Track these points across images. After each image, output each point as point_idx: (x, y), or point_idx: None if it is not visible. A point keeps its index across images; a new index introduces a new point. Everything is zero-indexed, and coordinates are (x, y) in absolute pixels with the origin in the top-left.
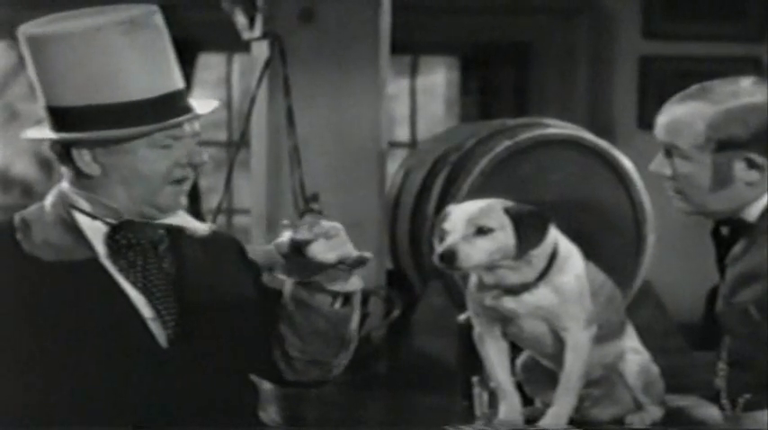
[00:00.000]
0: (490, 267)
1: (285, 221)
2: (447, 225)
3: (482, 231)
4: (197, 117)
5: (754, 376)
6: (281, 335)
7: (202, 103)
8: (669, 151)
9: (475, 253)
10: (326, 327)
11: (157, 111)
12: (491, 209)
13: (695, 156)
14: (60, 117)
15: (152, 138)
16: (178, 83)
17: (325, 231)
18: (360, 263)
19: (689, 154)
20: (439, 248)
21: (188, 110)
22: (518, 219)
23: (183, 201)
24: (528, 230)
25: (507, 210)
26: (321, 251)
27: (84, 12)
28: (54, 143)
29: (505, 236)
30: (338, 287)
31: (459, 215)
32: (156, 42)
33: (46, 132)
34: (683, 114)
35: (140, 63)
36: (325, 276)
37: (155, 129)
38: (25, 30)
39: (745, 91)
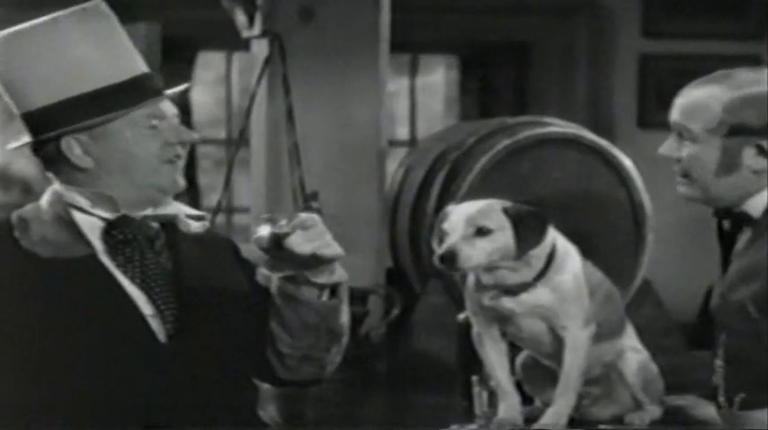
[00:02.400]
0: (489, 268)
1: (264, 215)
2: (446, 226)
3: (482, 232)
4: (171, 96)
5: (751, 374)
6: (272, 332)
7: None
8: (681, 133)
9: (475, 254)
10: (316, 320)
11: (129, 93)
12: (490, 209)
13: (705, 139)
14: (37, 120)
15: (135, 122)
16: (143, 67)
17: (302, 222)
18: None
19: (700, 136)
20: (439, 249)
21: (160, 91)
22: (517, 220)
23: (182, 181)
24: (527, 231)
25: (506, 211)
26: (298, 243)
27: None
28: (40, 146)
29: (505, 236)
30: (324, 279)
31: (459, 216)
32: (109, 29)
33: (27, 138)
34: (700, 96)
35: (100, 50)
36: (307, 269)
37: (131, 110)
38: None
39: (766, 80)
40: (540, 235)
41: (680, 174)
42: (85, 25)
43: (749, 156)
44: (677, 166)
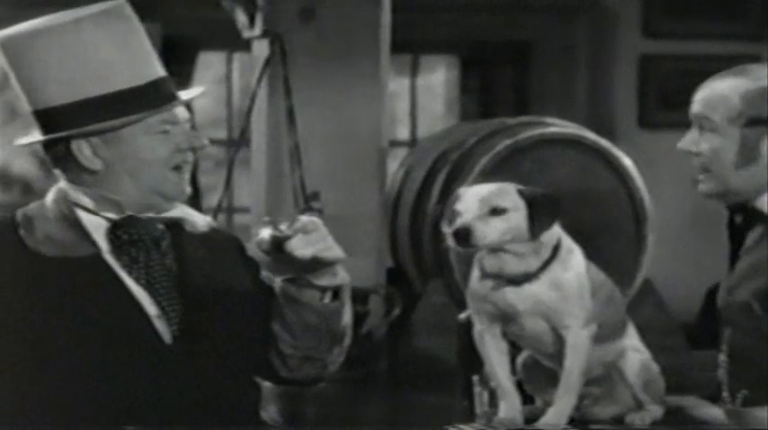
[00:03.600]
0: (495, 251)
1: (266, 218)
2: (460, 206)
3: (496, 211)
4: (187, 101)
5: (755, 371)
6: (274, 332)
7: (187, 92)
8: (701, 125)
9: (490, 231)
10: (317, 322)
11: (146, 97)
12: (504, 190)
13: (725, 130)
14: (50, 118)
15: (148, 126)
16: (161, 71)
17: (303, 226)
18: (333, 262)
19: (719, 127)
20: (453, 227)
21: (175, 96)
22: (532, 201)
23: (187, 189)
24: (541, 212)
25: (521, 192)
26: (299, 247)
27: (56, 15)
28: (51, 145)
29: (518, 217)
30: (325, 281)
31: (473, 195)
32: (131, 32)
33: (38, 136)
34: (721, 88)
35: (121, 53)
36: (309, 271)
37: (148, 115)
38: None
39: None
40: (553, 217)
41: (699, 169)
42: (107, 27)
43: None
44: (697, 161)
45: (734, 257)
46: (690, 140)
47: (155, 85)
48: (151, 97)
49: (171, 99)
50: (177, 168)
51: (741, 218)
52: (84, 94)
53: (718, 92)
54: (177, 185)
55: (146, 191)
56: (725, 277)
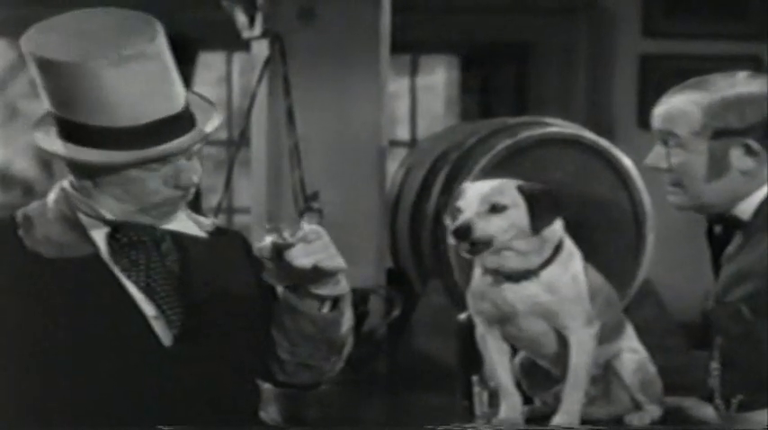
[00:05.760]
0: (496, 250)
1: (268, 225)
2: (461, 203)
3: (496, 209)
4: (180, 147)
5: (746, 376)
6: (272, 337)
7: (204, 116)
8: (666, 141)
9: (489, 228)
10: (314, 331)
11: (144, 137)
12: (504, 187)
13: (692, 144)
14: (66, 128)
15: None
16: (170, 108)
17: (305, 235)
18: (333, 272)
19: (685, 141)
20: (454, 224)
21: (177, 134)
22: (531, 197)
23: (182, 204)
24: (541, 208)
25: (520, 189)
26: (299, 256)
27: (84, 15)
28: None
29: (518, 213)
30: (326, 291)
31: (474, 193)
32: (147, 71)
33: (55, 136)
34: (679, 103)
35: (127, 93)
36: (309, 281)
37: (136, 160)
38: (26, 42)
39: (740, 82)
40: (553, 213)
41: (670, 183)
42: (117, 68)
43: (737, 157)
44: (667, 176)
45: (716, 266)
46: (657, 156)
47: (155, 126)
48: (147, 138)
49: (169, 138)
50: (165, 200)
51: (720, 227)
52: (86, 120)
53: (680, 106)
54: (169, 209)
55: (134, 212)
56: (713, 285)
